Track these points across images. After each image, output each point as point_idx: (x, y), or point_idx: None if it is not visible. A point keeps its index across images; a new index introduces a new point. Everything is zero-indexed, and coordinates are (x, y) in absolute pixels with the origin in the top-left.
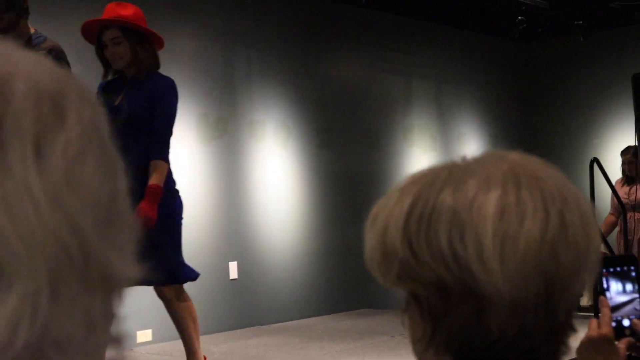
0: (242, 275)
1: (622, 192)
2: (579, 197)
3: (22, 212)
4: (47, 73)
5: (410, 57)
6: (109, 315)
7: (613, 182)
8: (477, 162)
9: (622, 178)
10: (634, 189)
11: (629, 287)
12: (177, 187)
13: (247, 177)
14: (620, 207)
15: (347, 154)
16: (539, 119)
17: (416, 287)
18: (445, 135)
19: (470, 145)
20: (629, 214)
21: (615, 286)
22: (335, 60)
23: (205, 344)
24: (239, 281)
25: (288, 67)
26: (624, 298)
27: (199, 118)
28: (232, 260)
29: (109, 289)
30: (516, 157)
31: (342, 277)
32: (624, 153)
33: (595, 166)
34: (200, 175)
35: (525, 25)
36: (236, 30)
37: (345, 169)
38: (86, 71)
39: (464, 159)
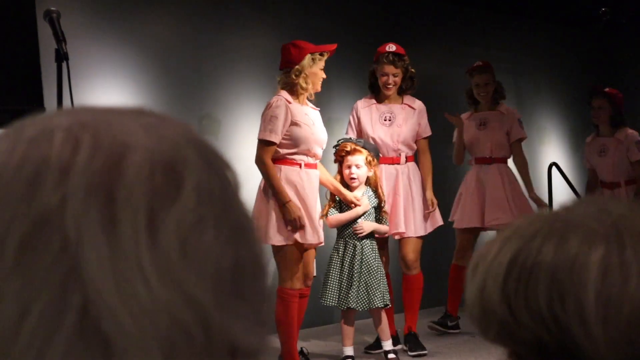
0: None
1: None
2: None
3: (132, 288)
4: (164, 141)
5: (487, 51)
6: None
7: None
8: (579, 214)
9: None
10: None
11: None
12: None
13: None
14: None
15: None
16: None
17: (516, 347)
18: (524, 128)
19: (551, 139)
20: None
21: None
22: (412, 55)
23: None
24: (317, 278)
25: (365, 64)
26: None
27: None
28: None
29: None
30: (621, 209)
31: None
32: None
33: None
34: None
35: (609, 17)
36: (312, 28)
37: None
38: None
39: (565, 208)
